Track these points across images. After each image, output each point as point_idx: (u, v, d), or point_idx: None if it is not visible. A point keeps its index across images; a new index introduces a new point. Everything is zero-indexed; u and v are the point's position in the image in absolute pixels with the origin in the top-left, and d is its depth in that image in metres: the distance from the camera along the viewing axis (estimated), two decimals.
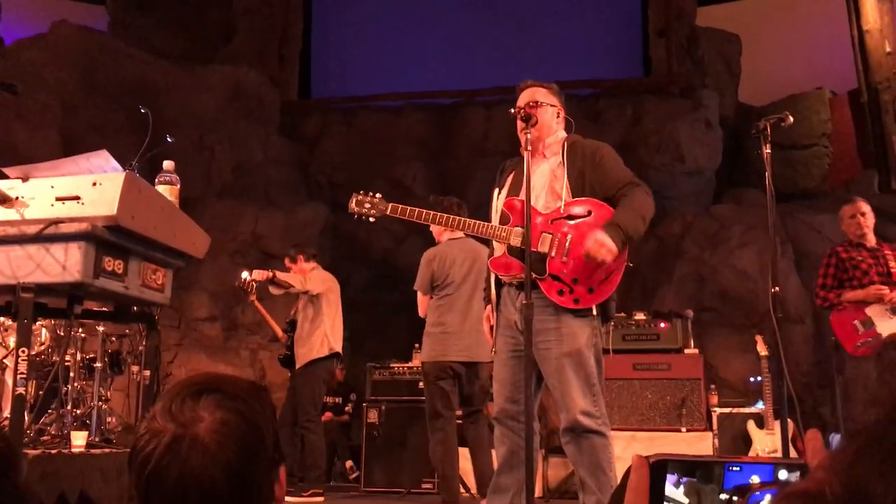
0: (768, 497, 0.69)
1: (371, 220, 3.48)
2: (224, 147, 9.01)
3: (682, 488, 0.72)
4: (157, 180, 2.49)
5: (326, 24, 10.69)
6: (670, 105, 9.03)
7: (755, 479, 0.72)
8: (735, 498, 0.72)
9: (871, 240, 4.96)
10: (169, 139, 2.81)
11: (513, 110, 3.32)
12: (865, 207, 5.03)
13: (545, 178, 3.34)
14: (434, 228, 5.15)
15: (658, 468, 0.72)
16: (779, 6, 10.94)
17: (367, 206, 3.47)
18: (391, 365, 6.69)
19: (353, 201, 3.51)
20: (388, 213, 3.44)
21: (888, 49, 9.25)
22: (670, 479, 0.72)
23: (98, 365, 5.33)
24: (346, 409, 8.10)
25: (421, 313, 5.07)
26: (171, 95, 8.81)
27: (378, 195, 3.49)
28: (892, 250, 4.91)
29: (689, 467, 0.73)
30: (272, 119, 9.69)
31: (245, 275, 5.79)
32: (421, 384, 6.53)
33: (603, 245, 3.03)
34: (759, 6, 11.05)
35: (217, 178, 8.87)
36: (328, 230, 8.97)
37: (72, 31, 8.89)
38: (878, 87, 9.18)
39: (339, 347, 5.88)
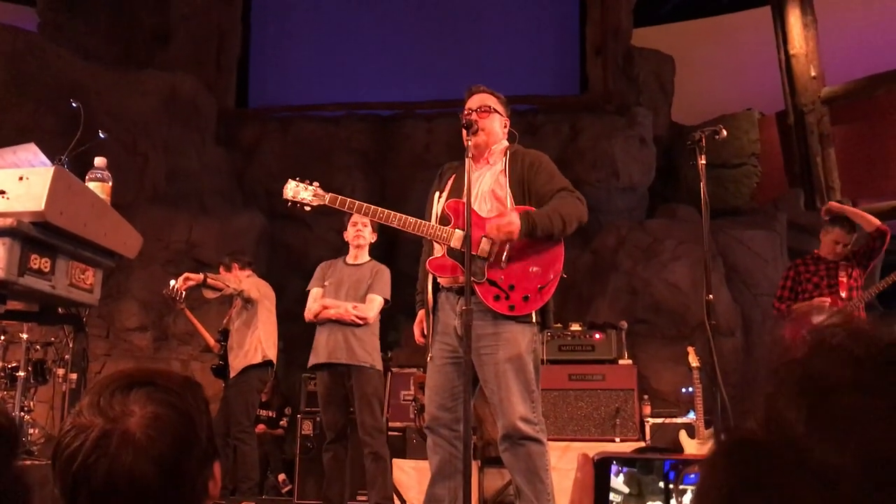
0: None
1: (307, 208, 3.37)
2: (158, 153, 8.82)
3: (621, 477, 0.73)
4: (87, 177, 2.41)
5: (265, 33, 10.58)
6: (606, 122, 9.19)
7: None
8: (671, 486, 0.74)
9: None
10: (102, 135, 2.73)
11: (464, 115, 3.32)
12: (849, 238, 5.16)
13: (488, 183, 3.36)
14: None
15: (602, 465, 0.73)
16: (711, 30, 11.29)
17: (304, 193, 3.37)
18: None
19: (288, 188, 3.40)
20: (326, 202, 3.34)
21: (813, 73, 9.61)
22: (611, 470, 0.73)
23: (21, 374, 5.13)
24: (281, 423, 7.97)
25: None
26: (104, 99, 8.59)
27: (316, 184, 3.39)
28: (845, 261, 5.12)
29: (630, 463, 0.74)
30: (208, 126, 9.53)
31: (173, 282, 5.62)
32: None
33: (507, 229, 3.12)
34: (693, 29, 11.38)
35: (150, 184, 8.67)
36: (265, 240, 8.84)
37: None
38: (804, 109, 9.52)
39: (272, 356, 5.78)
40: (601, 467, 0.73)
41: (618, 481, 0.73)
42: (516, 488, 3.21)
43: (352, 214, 4.98)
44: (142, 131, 8.75)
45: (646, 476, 0.73)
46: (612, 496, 0.73)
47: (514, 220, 3.11)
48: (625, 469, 0.74)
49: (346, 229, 5.14)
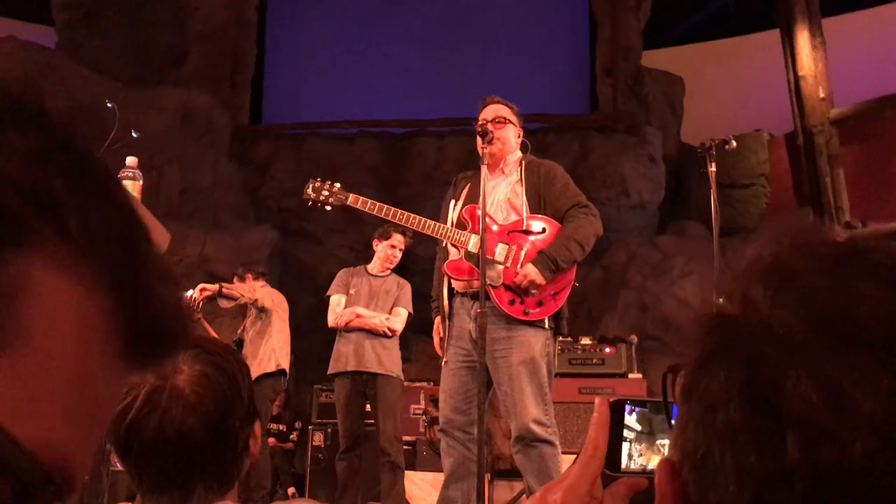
0: None
1: (328, 208, 3.44)
2: (173, 169, 8.94)
3: (634, 416, 0.80)
4: (119, 175, 2.49)
5: (279, 51, 10.74)
6: (615, 141, 9.28)
7: None
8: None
9: None
10: (134, 134, 2.82)
11: (479, 124, 3.40)
12: None
13: (504, 192, 3.43)
14: None
15: (617, 406, 0.80)
16: (720, 52, 11.39)
17: (325, 194, 3.43)
18: None
19: (310, 187, 3.44)
20: (348, 203, 3.41)
21: (822, 94, 9.67)
22: (625, 409, 0.80)
23: None
24: (291, 437, 8.00)
25: None
26: (120, 116, 8.70)
27: (338, 185, 3.46)
28: None
29: (643, 404, 0.81)
30: (222, 143, 9.66)
31: (190, 292, 5.69)
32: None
33: (528, 279, 3.18)
34: (702, 51, 11.48)
35: (165, 199, 8.78)
36: (276, 255, 8.92)
37: (17, 47, 8.76)
38: (813, 130, 9.56)
39: (286, 365, 5.82)
40: (616, 407, 0.79)
41: (631, 419, 0.80)
42: (529, 490, 3.25)
43: (389, 232, 5.07)
44: (157, 147, 8.87)
45: (656, 416, 0.80)
46: (625, 433, 0.80)
47: (528, 272, 3.20)
48: (637, 409, 0.81)
49: (374, 240, 5.24)
